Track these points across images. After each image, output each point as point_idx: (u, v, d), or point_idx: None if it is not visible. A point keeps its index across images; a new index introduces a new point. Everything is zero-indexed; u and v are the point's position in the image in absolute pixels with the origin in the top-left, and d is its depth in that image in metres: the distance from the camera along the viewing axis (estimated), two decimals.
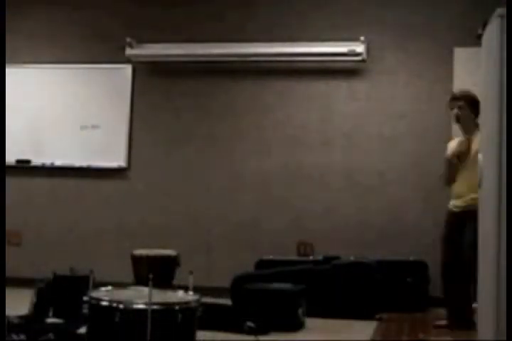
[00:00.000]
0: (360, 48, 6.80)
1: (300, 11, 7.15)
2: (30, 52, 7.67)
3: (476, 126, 5.05)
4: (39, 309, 5.16)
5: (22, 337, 4.26)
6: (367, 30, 6.93)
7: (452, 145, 5.46)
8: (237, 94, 7.27)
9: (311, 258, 6.64)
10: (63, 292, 5.24)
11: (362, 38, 6.80)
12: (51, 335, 4.34)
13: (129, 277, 6.02)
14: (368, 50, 6.87)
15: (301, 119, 7.11)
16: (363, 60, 6.88)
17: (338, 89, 7.10)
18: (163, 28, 7.39)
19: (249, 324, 4.91)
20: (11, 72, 7.57)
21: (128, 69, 7.40)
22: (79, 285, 4.73)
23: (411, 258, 6.50)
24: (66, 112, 7.48)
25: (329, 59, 6.97)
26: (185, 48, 7.21)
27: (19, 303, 5.51)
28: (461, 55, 6.61)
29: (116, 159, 7.34)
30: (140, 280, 5.71)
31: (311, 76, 7.11)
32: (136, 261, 5.94)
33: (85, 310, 3.70)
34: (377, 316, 5.84)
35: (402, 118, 6.91)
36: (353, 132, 6.99)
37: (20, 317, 4.85)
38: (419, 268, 6.44)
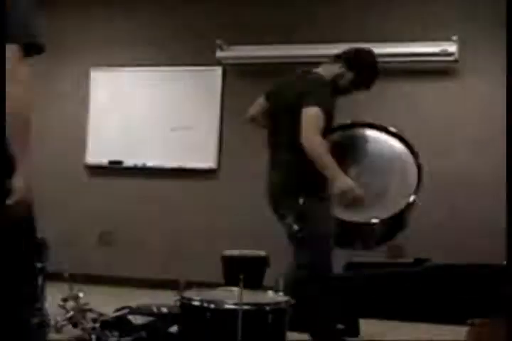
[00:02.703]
0: (452, 48, 6.68)
1: (391, 11, 7.08)
2: (123, 54, 7.83)
3: None
4: None
5: (115, 333, 4.34)
6: (459, 28, 6.80)
7: None
8: None
9: (401, 260, 6.54)
10: None
11: (454, 38, 6.67)
12: (143, 333, 4.40)
13: (220, 277, 6.07)
14: (460, 49, 6.74)
15: (390, 120, 7.01)
16: (456, 60, 6.75)
17: (429, 90, 6.99)
18: (253, 30, 7.42)
19: (339, 326, 4.87)
20: (105, 75, 7.76)
21: (218, 71, 7.47)
22: None
23: (504, 263, 6.33)
24: (157, 114, 7.60)
25: (420, 59, 6.86)
26: (275, 50, 7.23)
27: (113, 301, 5.63)
28: None
29: (206, 160, 7.41)
30: (230, 281, 5.75)
31: (401, 77, 7.01)
32: (227, 261, 5.98)
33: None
34: (469, 321, 5.71)
35: (496, 121, 6.75)
36: (444, 134, 6.88)
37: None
38: None
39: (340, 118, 7.13)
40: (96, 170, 7.80)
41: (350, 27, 7.14)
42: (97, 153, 7.73)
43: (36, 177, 7.85)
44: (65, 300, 4.68)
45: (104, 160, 7.70)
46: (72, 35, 7.98)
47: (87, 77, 7.84)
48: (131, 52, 7.81)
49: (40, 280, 4.29)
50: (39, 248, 4.37)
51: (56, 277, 4.82)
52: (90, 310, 4.70)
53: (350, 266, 6.61)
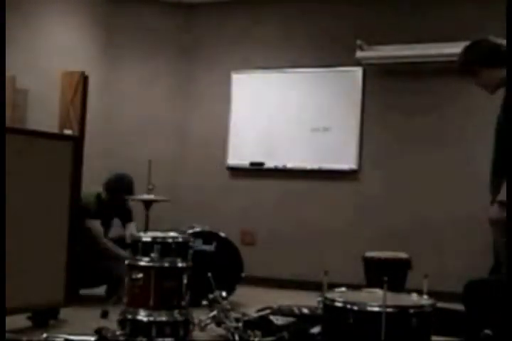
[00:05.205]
0: None
1: None
2: (262, 57, 7.91)
3: None
4: None
5: (257, 333, 4.38)
6: None
7: None
8: (469, 94, 7.03)
9: None
10: None
11: None
12: (285, 334, 4.42)
13: (357, 278, 6.02)
14: None
15: None
16: None
17: None
18: (392, 30, 7.32)
19: (487, 332, 4.71)
20: (245, 78, 7.86)
21: (358, 71, 7.41)
22: None
23: None
24: (298, 115, 7.62)
25: None
26: (415, 49, 7.09)
27: (254, 302, 5.70)
28: None
29: (347, 162, 7.37)
30: (371, 283, 5.68)
31: None
32: (368, 263, 5.92)
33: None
34: None
35: None
36: None
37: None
38: None
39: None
40: (237, 171, 7.92)
41: (491, 25, 6.86)
42: (238, 155, 7.84)
43: (182, 178, 8.05)
44: (208, 299, 4.77)
45: (245, 162, 7.80)
46: (214, 41, 8.13)
47: (228, 80, 7.97)
48: (271, 54, 7.87)
49: (184, 279, 4.38)
50: (185, 248, 4.47)
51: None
52: (233, 310, 4.77)
53: (496, 268, 6.38)
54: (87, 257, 5.80)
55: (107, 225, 6.21)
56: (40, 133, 5.00)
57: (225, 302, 4.72)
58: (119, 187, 6.12)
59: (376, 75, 7.39)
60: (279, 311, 4.94)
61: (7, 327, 3.84)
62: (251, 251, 7.49)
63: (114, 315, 4.52)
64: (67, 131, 6.29)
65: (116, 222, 6.38)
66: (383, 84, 7.37)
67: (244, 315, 4.67)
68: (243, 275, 6.13)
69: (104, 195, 6.15)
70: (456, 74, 7.00)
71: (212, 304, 4.73)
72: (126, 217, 6.36)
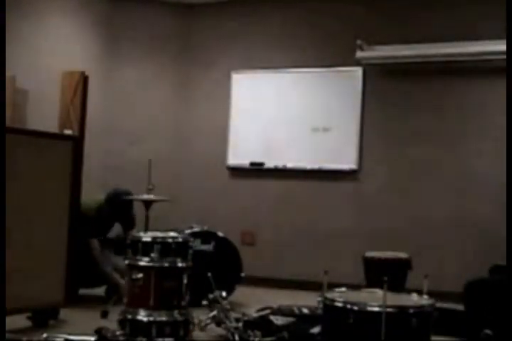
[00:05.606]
0: None
1: None
2: (262, 57, 7.90)
3: None
4: None
5: (257, 333, 4.38)
6: None
7: None
8: (469, 94, 7.04)
9: None
10: None
11: None
12: (285, 334, 4.43)
13: (356, 278, 6.02)
14: None
15: None
16: None
17: None
18: (392, 30, 7.31)
19: (487, 331, 4.72)
20: (245, 78, 7.86)
21: (358, 71, 7.40)
22: None
23: None
24: (298, 115, 7.61)
25: None
26: (415, 49, 7.09)
27: (255, 302, 5.69)
28: None
29: (347, 162, 7.36)
30: (372, 283, 5.68)
31: None
32: (368, 263, 5.92)
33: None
34: None
35: None
36: None
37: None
38: None
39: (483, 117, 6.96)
40: (237, 171, 7.91)
41: (489, 25, 6.87)
42: (238, 155, 7.84)
43: (183, 178, 8.04)
44: (208, 299, 4.77)
45: (245, 162, 7.79)
46: (214, 41, 8.13)
47: (228, 80, 7.97)
48: (271, 54, 7.86)
49: (184, 279, 4.38)
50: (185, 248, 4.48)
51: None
52: (233, 310, 4.77)
53: (495, 268, 6.38)
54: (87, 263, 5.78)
55: (106, 229, 6.16)
56: (40, 133, 5.00)
57: (225, 302, 4.73)
58: (118, 204, 6.02)
59: (376, 75, 7.38)
60: (279, 311, 4.94)
61: (7, 327, 3.84)
62: (251, 251, 7.48)
63: (114, 315, 4.52)
64: (67, 131, 6.28)
65: (117, 225, 6.32)
66: (383, 84, 7.36)
67: (244, 315, 4.68)
68: (243, 275, 6.13)
69: (105, 207, 6.06)
70: (456, 74, 7.09)
71: (212, 304, 4.73)
72: (129, 224, 6.25)
